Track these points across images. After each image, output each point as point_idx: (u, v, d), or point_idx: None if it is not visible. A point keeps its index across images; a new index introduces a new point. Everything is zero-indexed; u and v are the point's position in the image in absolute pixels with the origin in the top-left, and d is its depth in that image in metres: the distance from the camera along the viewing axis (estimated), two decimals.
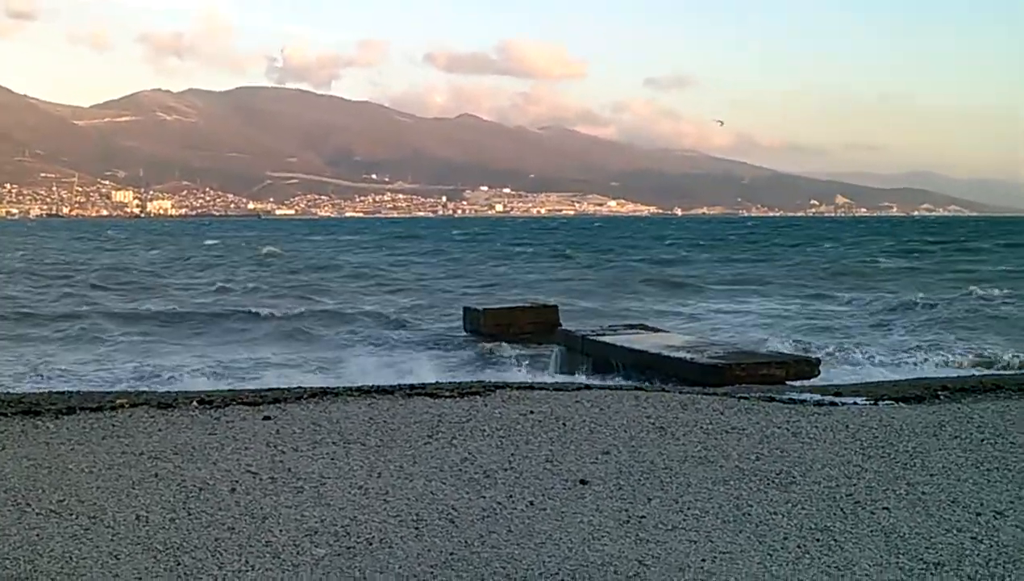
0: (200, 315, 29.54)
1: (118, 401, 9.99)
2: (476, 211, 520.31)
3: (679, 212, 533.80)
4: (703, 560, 5.54)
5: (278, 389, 11.34)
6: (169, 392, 11.73)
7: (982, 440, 8.59)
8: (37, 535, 5.84)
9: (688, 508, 6.52)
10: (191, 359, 21.17)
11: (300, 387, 11.76)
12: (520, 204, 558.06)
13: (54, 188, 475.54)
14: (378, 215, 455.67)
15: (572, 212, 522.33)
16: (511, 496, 6.75)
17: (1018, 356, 19.13)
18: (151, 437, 8.47)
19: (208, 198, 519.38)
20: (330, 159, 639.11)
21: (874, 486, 7.10)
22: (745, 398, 10.82)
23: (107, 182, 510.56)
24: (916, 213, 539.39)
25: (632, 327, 19.11)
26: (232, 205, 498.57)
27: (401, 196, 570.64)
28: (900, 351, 21.27)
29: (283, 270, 54.42)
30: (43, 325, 27.42)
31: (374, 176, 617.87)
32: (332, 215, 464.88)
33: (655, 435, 8.68)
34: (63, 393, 11.41)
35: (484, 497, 6.72)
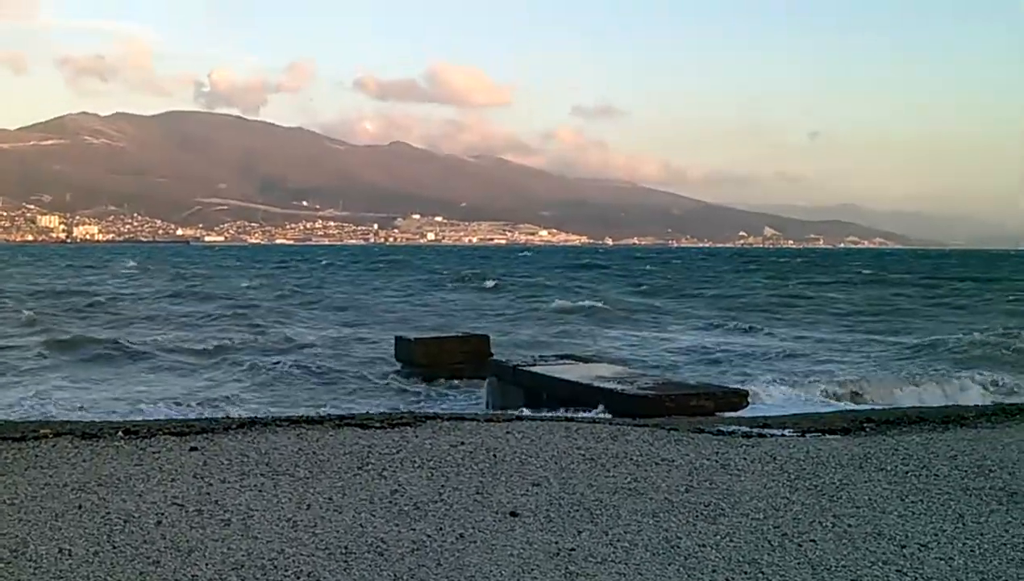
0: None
1: (41, 431, 9.81)
2: (408, 239, 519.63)
3: (610, 242, 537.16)
4: None
5: (206, 419, 11.22)
6: (94, 422, 11.53)
7: (907, 472, 8.72)
8: None
9: (618, 541, 6.54)
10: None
11: (228, 417, 11.64)
12: (452, 233, 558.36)
13: None
14: (309, 242, 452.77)
15: (504, 241, 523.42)
16: (441, 528, 6.72)
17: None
18: (75, 468, 8.33)
19: (136, 224, 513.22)
20: (261, 185, 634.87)
21: (801, 518, 7.18)
22: (675, 429, 10.89)
23: (32, 207, 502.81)
24: (842, 245, 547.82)
25: (563, 357, 19.15)
26: (160, 231, 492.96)
27: (332, 223, 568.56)
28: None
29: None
30: None
31: (305, 203, 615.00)
32: (262, 242, 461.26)
33: (585, 466, 8.70)
34: None
35: (414, 529, 6.69)
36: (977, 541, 6.67)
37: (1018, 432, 10.89)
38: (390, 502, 7.39)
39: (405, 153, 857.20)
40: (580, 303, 46.60)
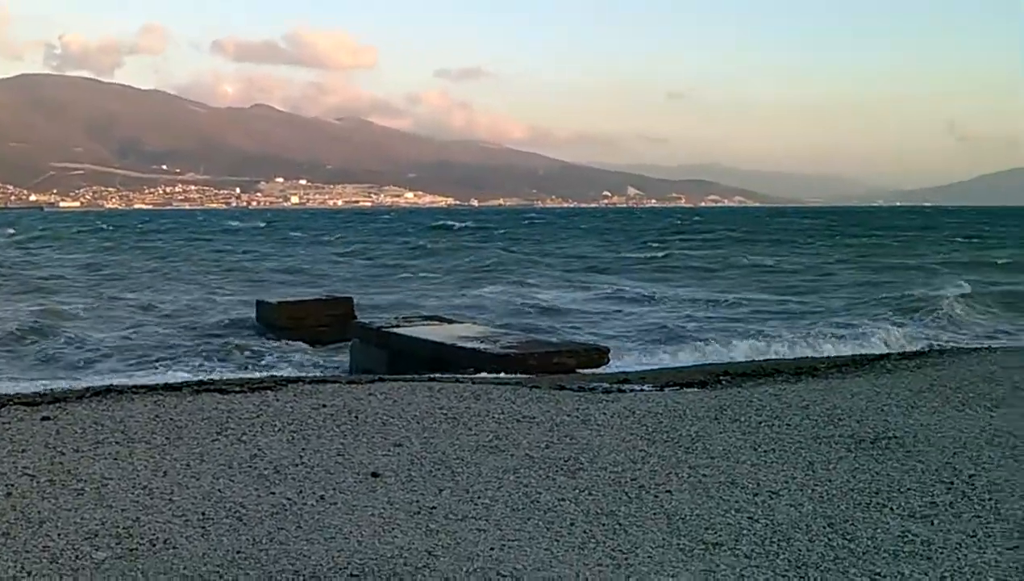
0: None
1: None
2: (271, 203, 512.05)
3: (476, 203, 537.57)
4: (491, 548, 5.60)
5: (59, 389, 10.94)
6: None
7: (760, 423, 8.95)
8: None
9: (478, 497, 6.58)
10: None
11: (84, 386, 11.38)
12: (317, 196, 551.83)
13: None
14: (169, 207, 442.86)
15: (370, 204, 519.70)
16: (301, 491, 6.68)
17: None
18: None
19: None
20: (118, 149, 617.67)
21: (658, 470, 7.32)
22: (537, 387, 11.00)
23: None
24: (703, 204, 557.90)
25: (427, 318, 19.15)
26: (12, 197, 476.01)
27: (193, 187, 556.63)
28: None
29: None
30: None
31: (164, 167, 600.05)
32: (120, 207, 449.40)
33: (448, 426, 8.74)
34: None
35: (273, 493, 6.63)
36: (825, 487, 6.90)
37: (866, 382, 11.26)
38: (249, 467, 7.31)
39: (268, 116, 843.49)
40: (449, 264, 46.64)
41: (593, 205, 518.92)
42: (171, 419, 8.86)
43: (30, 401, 9.69)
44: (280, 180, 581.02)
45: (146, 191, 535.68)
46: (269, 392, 10.23)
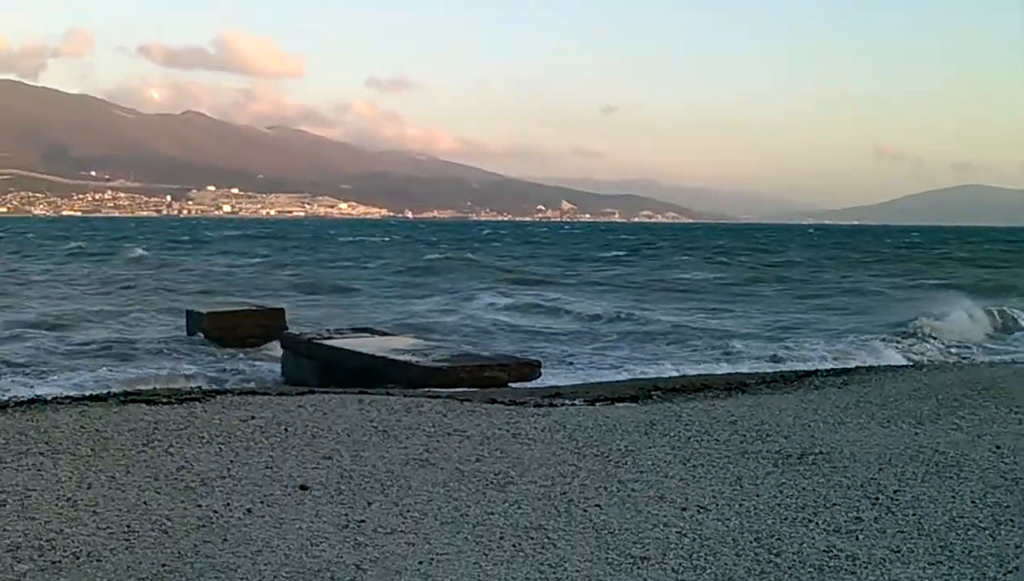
0: None
1: None
2: (203, 211, 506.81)
3: (410, 215, 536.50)
4: (420, 562, 5.58)
5: None
6: None
7: (689, 438, 9.02)
8: None
9: (408, 511, 6.56)
10: None
11: (7, 397, 11.19)
12: (249, 205, 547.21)
13: None
14: (98, 214, 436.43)
15: (303, 214, 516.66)
16: (228, 504, 6.61)
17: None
18: None
19: None
20: (45, 154, 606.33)
21: (588, 484, 7.35)
22: (468, 400, 10.99)
23: None
24: (637, 219, 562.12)
25: (360, 330, 19.06)
26: None
27: (123, 194, 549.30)
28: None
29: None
30: None
31: (93, 173, 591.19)
32: (48, 214, 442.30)
33: (378, 439, 8.70)
34: None
35: (200, 506, 6.56)
36: (753, 502, 6.96)
37: (795, 398, 11.39)
38: (176, 479, 7.22)
39: (199, 123, 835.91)
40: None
41: (527, 218, 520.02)
42: (96, 430, 8.73)
43: None
44: (212, 188, 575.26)
45: (75, 198, 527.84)
46: (197, 403, 10.12)
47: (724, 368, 18.05)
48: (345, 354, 16.01)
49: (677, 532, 6.26)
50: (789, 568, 5.64)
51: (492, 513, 6.56)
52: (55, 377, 17.48)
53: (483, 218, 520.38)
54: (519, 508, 6.69)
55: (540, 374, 14.86)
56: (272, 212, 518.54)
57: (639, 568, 5.63)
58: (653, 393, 11.90)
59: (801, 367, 16.97)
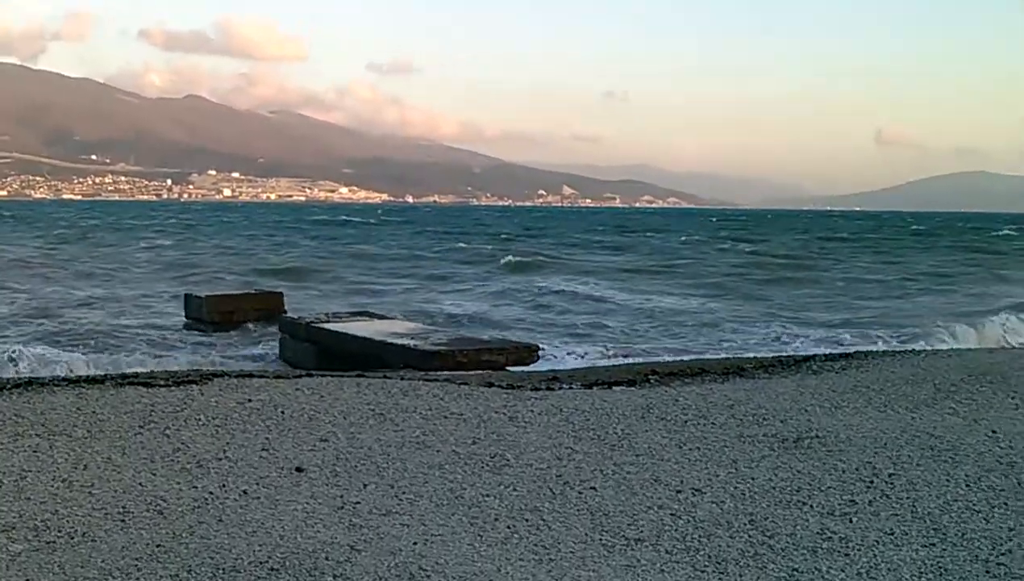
0: None
1: None
2: (203, 196, 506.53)
3: (411, 200, 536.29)
4: (415, 543, 5.60)
5: None
6: None
7: (685, 421, 9.02)
8: None
9: (403, 493, 6.58)
10: None
11: (5, 378, 11.19)
12: (250, 189, 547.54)
13: None
14: (98, 197, 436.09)
15: (303, 198, 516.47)
16: (224, 485, 6.63)
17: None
18: None
19: None
20: (46, 138, 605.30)
21: (583, 467, 7.36)
22: (465, 384, 11.00)
23: None
24: (638, 204, 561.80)
25: (358, 314, 19.06)
26: None
27: (123, 178, 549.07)
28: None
29: None
30: None
31: (94, 157, 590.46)
32: (48, 197, 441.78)
33: (374, 421, 8.71)
34: None
35: (196, 487, 6.58)
36: (748, 485, 6.97)
37: (792, 382, 11.39)
38: (172, 460, 7.24)
39: (201, 107, 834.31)
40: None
41: (529, 203, 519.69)
42: (93, 412, 8.74)
43: None
44: (212, 172, 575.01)
45: (75, 181, 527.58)
46: (194, 386, 10.12)
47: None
48: (344, 337, 16.00)
49: (671, 514, 6.27)
50: (782, 550, 5.65)
51: (487, 495, 6.57)
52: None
53: (484, 203, 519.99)
54: (514, 490, 6.70)
55: (538, 358, 14.87)
56: (272, 196, 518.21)
57: (633, 550, 5.64)
58: (650, 377, 11.90)
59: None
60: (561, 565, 5.38)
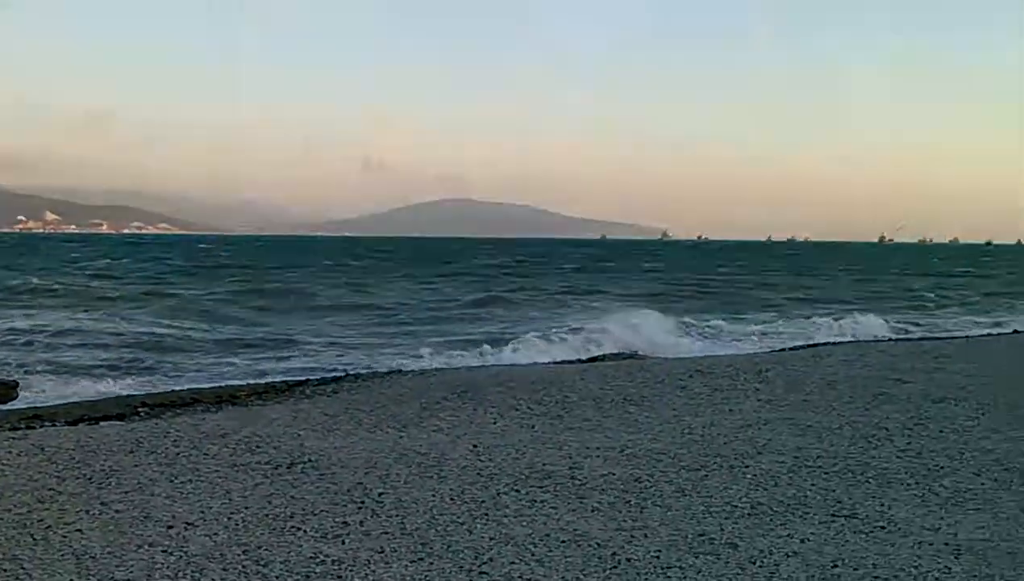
0: None
1: None
2: None
3: None
4: None
5: None
6: None
7: (178, 453, 8.83)
8: None
9: None
10: None
11: None
12: None
13: None
14: None
15: None
16: None
17: None
18: None
19: None
20: None
21: (68, 508, 7.00)
22: None
23: None
24: (127, 230, 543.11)
25: None
26: None
27: None
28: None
29: None
30: None
31: None
32: None
33: None
34: None
35: None
36: (242, 514, 6.93)
37: (286, 408, 11.49)
38: None
39: None
40: None
41: (7, 230, 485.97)
42: None
43: None
44: None
45: None
46: None
47: None
48: None
49: (162, 551, 6.10)
50: (277, 577, 5.67)
51: None
52: None
53: None
54: None
55: (17, 395, 13.95)
56: None
57: None
58: (140, 410, 11.59)
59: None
60: None
